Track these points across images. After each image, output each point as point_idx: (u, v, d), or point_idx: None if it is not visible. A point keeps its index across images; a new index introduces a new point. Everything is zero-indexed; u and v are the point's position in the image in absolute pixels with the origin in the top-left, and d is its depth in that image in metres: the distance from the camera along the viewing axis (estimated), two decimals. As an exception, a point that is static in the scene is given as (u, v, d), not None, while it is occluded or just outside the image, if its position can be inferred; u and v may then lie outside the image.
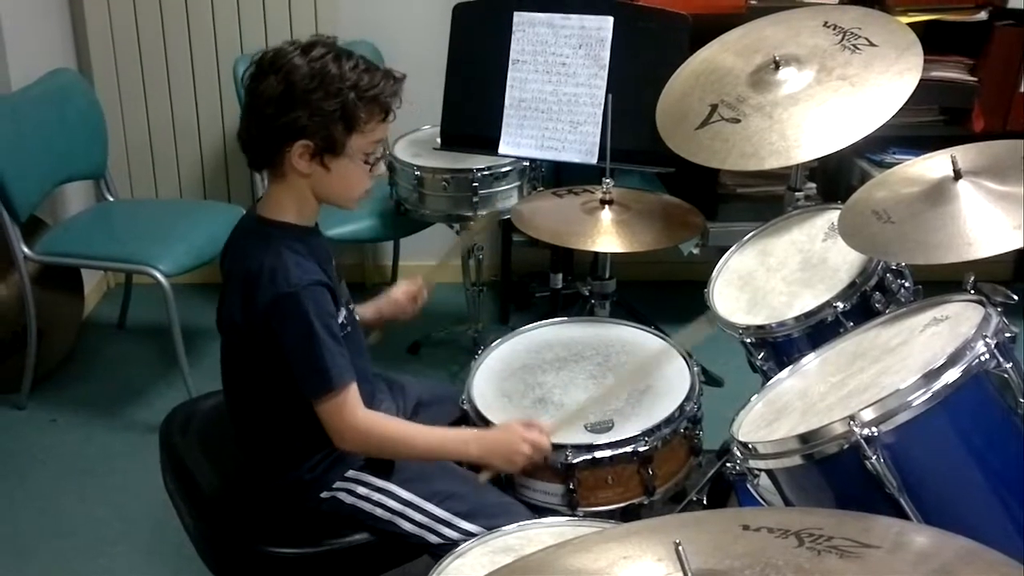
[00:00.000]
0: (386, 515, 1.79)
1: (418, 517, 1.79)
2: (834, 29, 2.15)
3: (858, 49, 2.08)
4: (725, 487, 2.17)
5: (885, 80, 1.98)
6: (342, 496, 1.81)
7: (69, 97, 3.19)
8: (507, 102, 2.76)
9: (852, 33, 2.12)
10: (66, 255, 3.02)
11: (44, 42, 3.36)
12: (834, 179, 3.36)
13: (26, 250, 2.95)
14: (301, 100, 1.64)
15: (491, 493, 1.83)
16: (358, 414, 1.72)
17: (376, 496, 1.80)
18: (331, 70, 1.65)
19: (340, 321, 1.75)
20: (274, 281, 1.67)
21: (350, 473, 1.81)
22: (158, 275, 2.87)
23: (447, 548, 1.69)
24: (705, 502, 2.16)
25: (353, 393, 1.71)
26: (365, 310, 2.03)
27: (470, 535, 1.73)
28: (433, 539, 1.78)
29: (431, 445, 1.78)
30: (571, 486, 1.81)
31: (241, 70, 3.17)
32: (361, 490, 1.80)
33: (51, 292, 3.16)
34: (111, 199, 3.34)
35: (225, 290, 1.80)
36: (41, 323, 3.03)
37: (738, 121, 2.06)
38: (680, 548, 0.95)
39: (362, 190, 1.78)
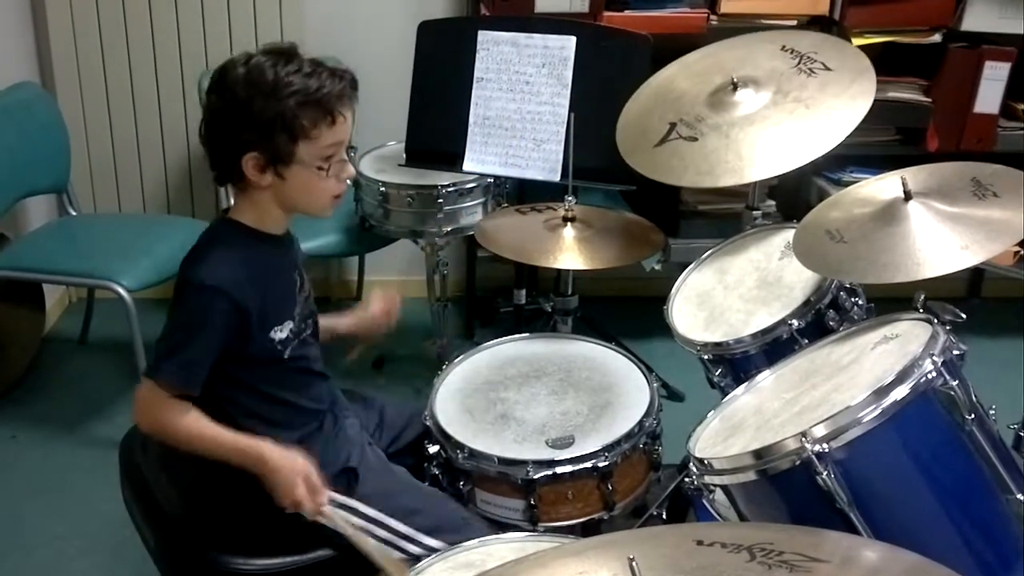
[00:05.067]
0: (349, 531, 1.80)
1: (381, 533, 1.79)
2: (791, 53, 2.19)
3: (814, 73, 2.12)
4: (685, 501, 2.20)
5: (839, 103, 2.03)
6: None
7: (31, 111, 3.17)
8: (471, 119, 2.78)
9: (808, 57, 2.16)
10: (27, 270, 3.00)
11: (6, 56, 3.34)
12: (793, 197, 3.41)
13: (-14, 265, 2.93)
14: (241, 112, 1.62)
15: (454, 509, 1.85)
16: (161, 413, 1.70)
17: (340, 513, 1.80)
18: (266, 77, 1.61)
19: (283, 336, 1.75)
20: (191, 264, 1.69)
21: None
22: (121, 290, 2.85)
23: (410, 564, 1.69)
24: (665, 516, 2.18)
25: (169, 396, 1.68)
26: (340, 321, 2.02)
27: (432, 550, 1.74)
28: (396, 555, 1.78)
29: (216, 446, 1.71)
30: (532, 501, 1.83)
31: (206, 85, 3.19)
32: (325, 507, 1.81)
33: (11, 307, 3.14)
34: (74, 213, 3.32)
35: None
36: (1, 338, 3.00)
37: (695, 140, 2.10)
38: (634, 563, 0.97)
39: (327, 197, 1.73)
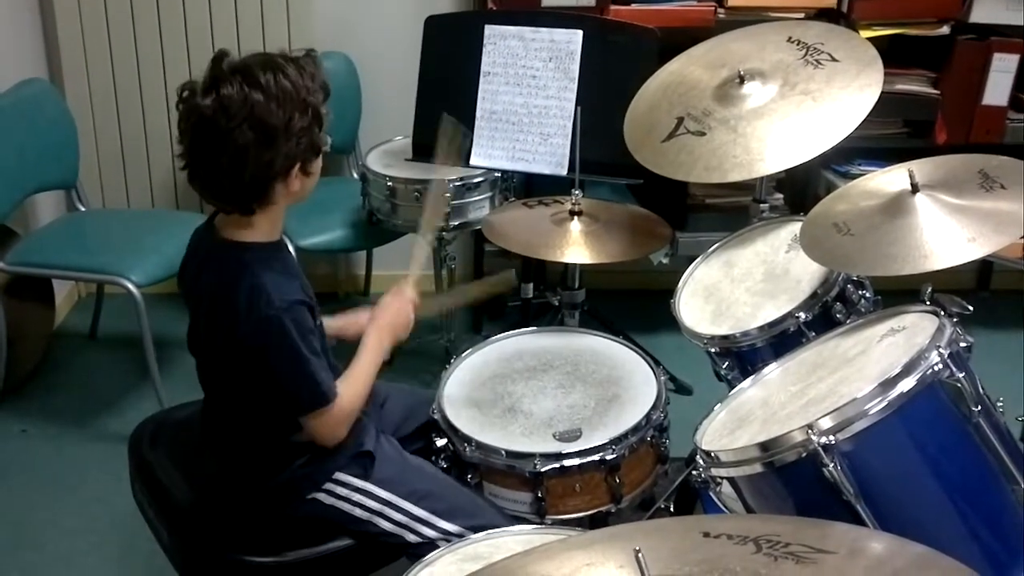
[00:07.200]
0: (365, 515, 1.81)
1: (396, 516, 1.81)
2: (798, 44, 2.18)
3: (821, 64, 2.11)
4: (692, 494, 2.21)
5: (846, 95, 2.02)
6: (321, 497, 1.82)
7: (40, 107, 3.18)
8: (478, 114, 2.79)
9: (815, 48, 2.15)
10: (37, 266, 3.01)
11: (15, 52, 3.36)
12: (801, 190, 3.41)
13: (-4, 261, 2.94)
14: (285, 131, 1.63)
15: (469, 493, 1.87)
16: (344, 413, 1.76)
17: (356, 496, 1.82)
18: (288, 87, 1.64)
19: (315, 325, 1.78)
20: (256, 305, 1.66)
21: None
22: (130, 285, 2.87)
23: (425, 547, 1.73)
24: (672, 509, 2.19)
25: (336, 402, 1.75)
26: (332, 323, 2.01)
27: (448, 534, 1.77)
28: (411, 538, 1.80)
29: (372, 369, 1.86)
30: (539, 494, 1.84)
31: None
32: (341, 490, 1.82)
33: (21, 302, 3.15)
34: (82, 209, 3.33)
35: (196, 313, 1.80)
36: (11, 333, 3.01)
37: (703, 134, 2.10)
38: (640, 555, 0.97)
39: None
